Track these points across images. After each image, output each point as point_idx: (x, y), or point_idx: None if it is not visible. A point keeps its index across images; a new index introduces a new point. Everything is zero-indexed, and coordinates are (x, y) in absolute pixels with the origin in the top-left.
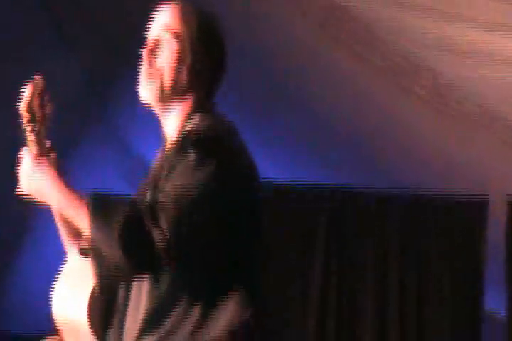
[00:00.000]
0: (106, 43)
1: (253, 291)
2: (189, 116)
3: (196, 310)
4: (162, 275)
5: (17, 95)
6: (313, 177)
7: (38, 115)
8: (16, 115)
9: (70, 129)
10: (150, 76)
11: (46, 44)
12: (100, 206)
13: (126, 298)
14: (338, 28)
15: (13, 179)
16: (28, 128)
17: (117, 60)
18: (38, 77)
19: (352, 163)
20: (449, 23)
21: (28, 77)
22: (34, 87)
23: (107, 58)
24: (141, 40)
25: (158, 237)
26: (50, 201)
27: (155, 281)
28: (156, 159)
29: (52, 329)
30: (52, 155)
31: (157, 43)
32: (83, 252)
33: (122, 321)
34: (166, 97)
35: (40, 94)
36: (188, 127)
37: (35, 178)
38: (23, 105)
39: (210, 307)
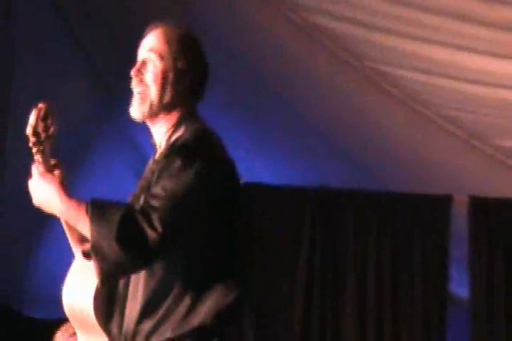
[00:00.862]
0: (115, 44)
1: (239, 278)
2: (176, 127)
3: (187, 298)
4: (155, 269)
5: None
6: (296, 177)
7: (42, 137)
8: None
9: (82, 129)
10: (137, 97)
11: (57, 45)
12: (98, 209)
13: (125, 290)
14: (319, 33)
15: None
16: (34, 149)
17: (126, 61)
18: (41, 104)
19: (331, 164)
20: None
21: (41, 79)
22: (38, 113)
23: (117, 59)
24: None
25: (152, 235)
26: (55, 211)
27: (149, 275)
28: (148, 165)
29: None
30: (57, 171)
31: (144, 63)
32: (86, 255)
33: (123, 310)
34: (154, 112)
35: (45, 119)
36: (174, 137)
37: (41, 192)
38: (29, 129)
39: (198, 294)
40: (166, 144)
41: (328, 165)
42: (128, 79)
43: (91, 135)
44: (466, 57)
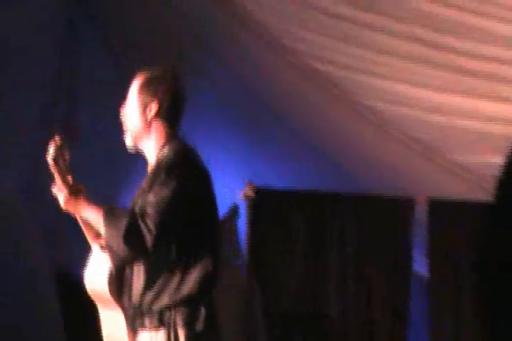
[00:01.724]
0: (145, 54)
1: (213, 257)
2: (162, 148)
3: (177, 274)
4: (151, 257)
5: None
6: (285, 180)
7: (61, 165)
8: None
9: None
10: (126, 127)
11: (91, 54)
12: (110, 216)
13: (131, 273)
14: (317, 75)
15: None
16: (56, 175)
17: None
18: (57, 137)
19: (318, 170)
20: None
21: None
22: (55, 145)
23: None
24: (178, 51)
25: (148, 237)
26: (77, 214)
27: (147, 262)
28: (143, 179)
29: None
30: (77, 188)
31: (127, 105)
32: (102, 247)
33: (130, 288)
34: (135, 139)
35: (61, 148)
36: (160, 156)
37: (62, 203)
38: (50, 162)
39: (185, 271)
40: (156, 161)
41: (319, 172)
42: None
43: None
44: (426, 92)
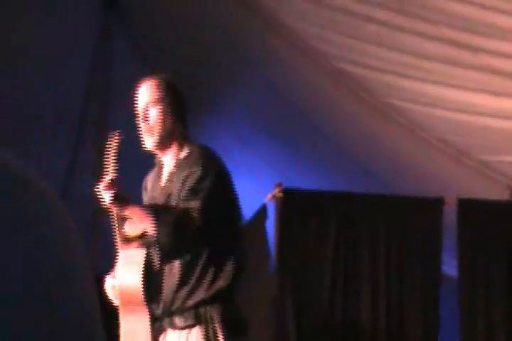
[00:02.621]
0: (177, 60)
1: (243, 252)
2: (181, 147)
3: (211, 269)
4: (192, 251)
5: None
6: (317, 183)
7: (116, 159)
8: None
9: None
10: (150, 133)
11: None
12: (158, 214)
13: (161, 274)
14: (343, 76)
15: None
16: (110, 172)
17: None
18: (117, 134)
19: (347, 173)
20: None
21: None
22: (117, 140)
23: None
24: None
25: (195, 231)
26: (121, 212)
27: (184, 257)
28: (155, 179)
29: None
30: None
31: (145, 110)
32: (142, 245)
33: (160, 288)
34: (161, 141)
35: (119, 145)
36: (183, 154)
37: (109, 201)
38: (111, 153)
39: (219, 265)
40: (176, 161)
41: (347, 174)
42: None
43: None
44: (456, 93)
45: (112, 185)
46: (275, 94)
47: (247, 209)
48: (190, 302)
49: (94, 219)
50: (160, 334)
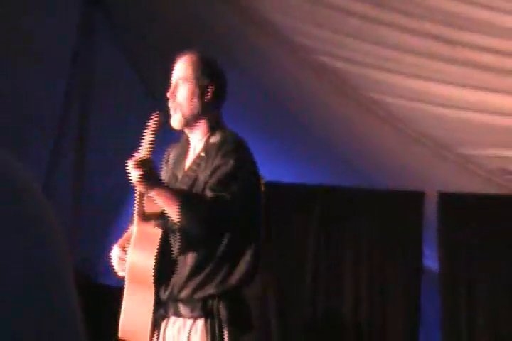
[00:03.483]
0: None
1: (258, 251)
2: (211, 133)
3: (226, 263)
4: (201, 244)
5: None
6: (298, 176)
7: (154, 140)
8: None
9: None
10: (175, 110)
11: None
12: (186, 198)
13: (177, 258)
14: (325, 69)
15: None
16: (146, 149)
17: None
18: (160, 114)
19: (328, 166)
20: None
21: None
22: (159, 120)
23: None
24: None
25: (228, 223)
26: (147, 191)
27: (199, 249)
28: (180, 161)
29: None
30: (154, 166)
31: (176, 86)
32: (159, 226)
33: (173, 271)
34: (188, 121)
35: (161, 126)
36: (212, 140)
37: (133, 179)
38: (150, 132)
39: (234, 261)
40: (205, 145)
41: (329, 168)
42: None
43: None
44: (436, 87)
45: (142, 163)
46: (258, 89)
47: None
48: (199, 295)
49: (75, 215)
50: (163, 319)
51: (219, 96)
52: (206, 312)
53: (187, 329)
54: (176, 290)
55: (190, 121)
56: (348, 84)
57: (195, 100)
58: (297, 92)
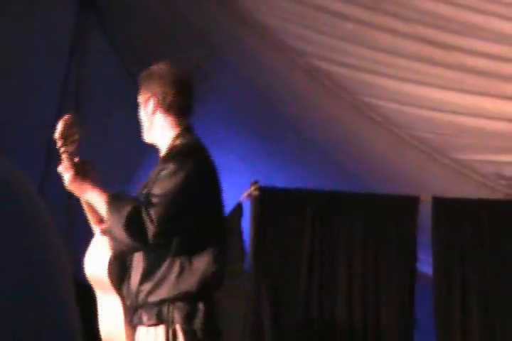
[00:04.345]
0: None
1: (220, 252)
2: (174, 140)
3: (176, 267)
4: (152, 247)
5: None
6: (293, 181)
7: (68, 141)
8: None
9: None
10: (143, 126)
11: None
12: (114, 202)
13: (131, 262)
14: (318, 73)
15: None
16: (61, 150)
17: None
18: (67, 116)
19: (322, 170)
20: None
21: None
22: (64, 122)
23: None
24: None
25: (150, 226)
26: (81, 197)
27: (147, 251)
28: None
29: None
30: (84, 169)
31: (142, 104)
32: (103, 232)
33: (129, 276)
34: (154, 136)
35: (70, 127)
36: (170, 148)
37: (67, 183)
38: (56, 134)
39: (185, 265)
40: (165, 152)
41: (323, 172)
42: None
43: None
44: (430, 91)
45: (73, 166)
46: (250, 92)
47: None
48: (153, 298)
49: (69, 216)
50: (136, 326)
51: (170, 106)
52: (161, 319)
53: (150, 336)
54: (133, 295)
55: (149, 134)
56: (341, 87)
57: (151, 119)
58: (290, 95)
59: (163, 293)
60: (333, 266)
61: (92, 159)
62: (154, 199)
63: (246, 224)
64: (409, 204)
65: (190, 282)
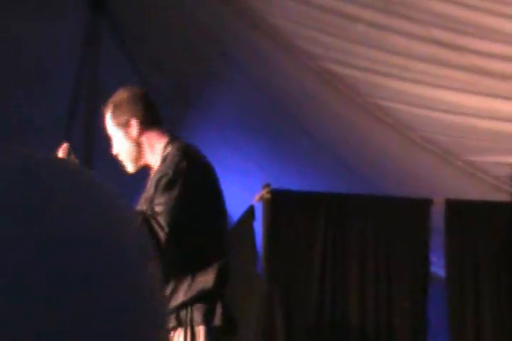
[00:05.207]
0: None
1: (223, 266)
2: (165, 149)
3: (190, 271)
4: (164, 254)
5: None
6: (305, 184)
7: None
8: None
9: None
10: (125, 162)
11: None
12: None
13: None
14: (330, 76)
15: None
16: None
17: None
18: (65, 144)
19: (334, 173)
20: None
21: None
22: (63, 151)
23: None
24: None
25: (161, 234)
26: None
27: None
28: (148, 181)
29: None
30: None
31: (112, 139)
32: None
33: None
34: (140, 162)
35: (69, 154)
36: (162, 158)
37: None
38: None
39: (197, 270)
40: (160, 161)
41: (335, 175)
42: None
43: None
44: (443, 94)
45: None
46: (262, 94)
47: (235, 210)
48: (173, 304)
49: None
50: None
51: (149, 121)
52: (180, 321)
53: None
54: None
55: (138, 160)
56: (354, 90)
57: (128, 144)
58: (302, 98)
59: (180, 296)
60: (345, 267)
61: (101, 161)
62: (159, 208)
63: (258, 226)
64: (421, 206)
65: (205, 280)
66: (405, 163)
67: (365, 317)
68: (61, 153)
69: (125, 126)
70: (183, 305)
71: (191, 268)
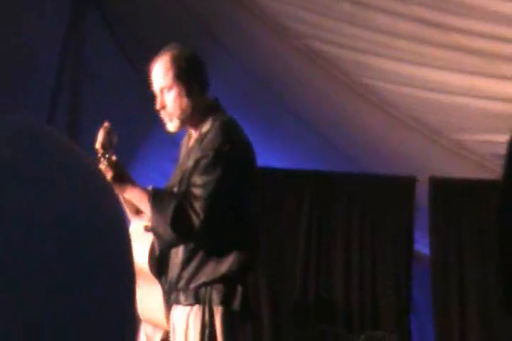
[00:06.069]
0: (150, 43)
1: (253, 241)
2: (203, 121)
3: (215, 254)
4: (197, 239)
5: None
6: (289, 161)
7: (108, 149)
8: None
9: (133, 132)
10: (170, 118)
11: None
12: (157, 199)
13: (170, 253)
14: (316, 55)
15: None
16: (101, 159)
17: None
18: (106, 123)
19: (319, 152)
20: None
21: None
22: (104, 131)
23: None
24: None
25: (196, 221)
26: (121, 194)
27: (186, 244)
28: (182, 152)
29: None
30: (121, 170)
31: (161, 96)
32: (146, 229)
33: (167, 265)
34: (183, 123)
35: (109, 134)
36: (204, 128)
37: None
38: (97, 145)
39: (223, 251)
40: (198, 134)
41: (320, 153)
42: None
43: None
44: (427, 72)
45: (111, 167)
46: (248, 74)
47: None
48: (193, 285)
49: None
50: (170, 307)
51: (202, 84)
52: (198, 299)
53: (185, 315)
54: (173, 282)
55: (186, 121)
56: (339, 69)
57: (185, 101)
58: (287, 77)
59: (202, 278)
60: (330, 246)
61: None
62: (197, 191)
63: None
64: (406, 184)
65: (229, 264)
66: (390, 141)
67: (349, 295)
68: (102, 134)
69: (190, 81)
70: (203, 285)
71: (218, 252)
